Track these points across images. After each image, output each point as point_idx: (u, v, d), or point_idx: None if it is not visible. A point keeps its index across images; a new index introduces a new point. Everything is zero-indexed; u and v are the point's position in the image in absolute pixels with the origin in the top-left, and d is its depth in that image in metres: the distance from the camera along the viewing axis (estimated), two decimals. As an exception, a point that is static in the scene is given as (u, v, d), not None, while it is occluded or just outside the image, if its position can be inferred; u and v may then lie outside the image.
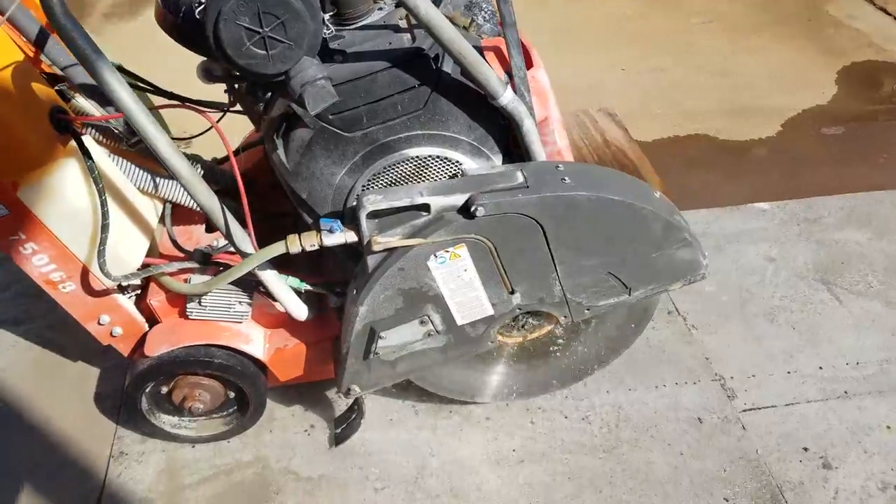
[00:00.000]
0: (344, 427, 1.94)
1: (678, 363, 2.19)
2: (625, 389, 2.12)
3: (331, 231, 1.48)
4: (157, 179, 1.75)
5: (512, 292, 1.61)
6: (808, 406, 2.07)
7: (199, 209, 1.50)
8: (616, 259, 1.59)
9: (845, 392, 2.11)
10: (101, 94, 1.58)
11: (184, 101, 1.74)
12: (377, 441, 1.99)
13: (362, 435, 1.98)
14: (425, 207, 1.43)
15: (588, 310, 1.69)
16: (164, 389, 1.85)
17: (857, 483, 1.87)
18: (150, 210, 1.80)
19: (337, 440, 1.94)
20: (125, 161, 1.72)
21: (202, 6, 1.26)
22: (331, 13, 1.42)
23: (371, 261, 1.50)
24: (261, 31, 1.23)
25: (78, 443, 2.00)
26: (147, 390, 1.83)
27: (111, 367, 2.19)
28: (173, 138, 1.64)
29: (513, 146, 1.59)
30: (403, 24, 1.44)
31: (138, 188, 1.74)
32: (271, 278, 1.63)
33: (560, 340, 1.88)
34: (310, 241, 1.48)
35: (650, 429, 2.02)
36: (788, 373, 2.17)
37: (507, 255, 1.52)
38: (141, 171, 1.73)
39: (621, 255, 1.58)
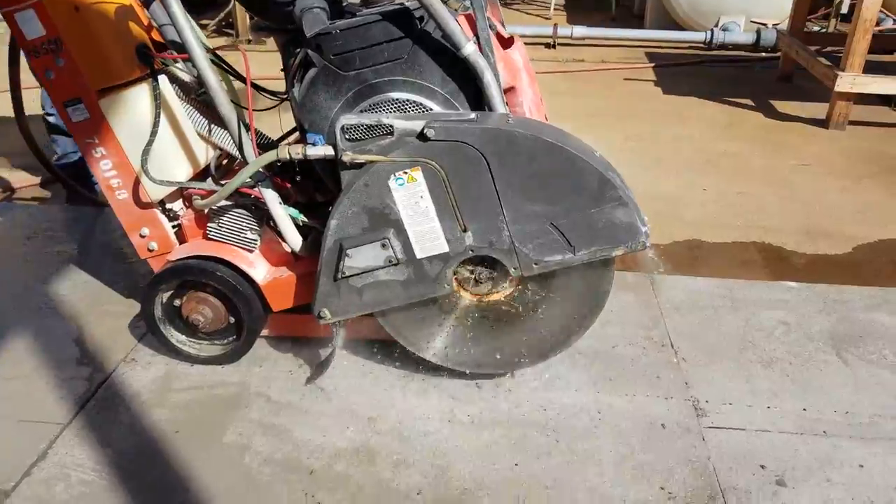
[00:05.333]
0: (317, 366, 2.15)
1: (656, 382, 2.21)
2: (594, 391, 2.16)
3: (314, 144, 1.80)
4: (211, 126, 2.18)
5: (465, 230, 1.82)
6: (779, 435, 2.01)
7: (222, 121, 1.88)
8: (558, 210, 1.77)
9: (824, 432, 2.03)
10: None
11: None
12: (348, 387, 2.15)
13: (338, 381, 2.17)
14: (389, 129, 1.72)
15: (536, 264, 1.85)
16: (177, 302, 2.16)
17: (808, 504, 1.79)
18: (201, 149, 2.21)
19: (310, 378, 2.15)
20: (191, 108, 2.18)
21: None
22: None
23: (344, 177, 1.80)
24: (276, -30, 1.66)
25: (102, 348, 2.33)
26: (161, 297, 2.15)
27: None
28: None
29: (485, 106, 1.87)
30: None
31: (196, 131, 2.18)
32: (272, 199, 1.95)
33: (512, 310, 2.01)
34: (296, 151, 1.81)
35: (607, 421, 2.04)
36: (768, 407, 2.12)
37: (457, 186, 1.75)
38: (200, 117, 2.17)
39: (562, 206, 1.76)
